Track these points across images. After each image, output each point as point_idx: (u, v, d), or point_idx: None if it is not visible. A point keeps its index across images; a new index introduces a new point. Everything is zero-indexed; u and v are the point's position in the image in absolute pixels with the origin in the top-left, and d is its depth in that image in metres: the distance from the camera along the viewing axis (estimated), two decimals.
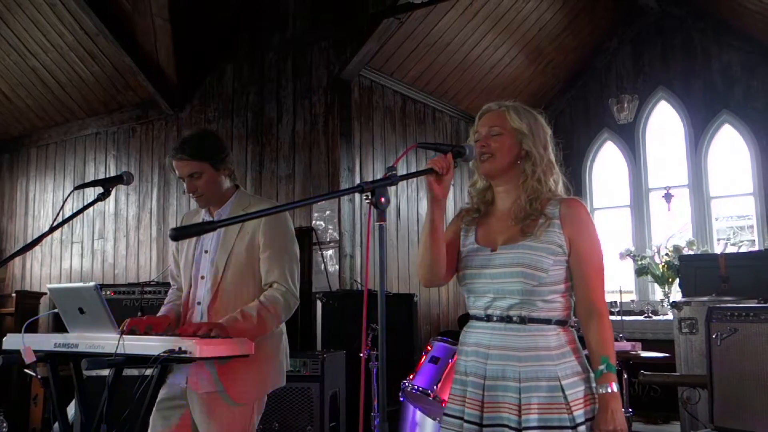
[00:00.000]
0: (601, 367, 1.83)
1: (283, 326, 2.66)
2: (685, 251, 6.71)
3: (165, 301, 2.78)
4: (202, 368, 2.41)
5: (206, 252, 2.60)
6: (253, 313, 2.40)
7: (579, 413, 1.82)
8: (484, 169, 2.00)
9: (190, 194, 2.59)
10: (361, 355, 2.41)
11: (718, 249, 6.99)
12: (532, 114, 2.04)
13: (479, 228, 2.04)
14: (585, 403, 1.84)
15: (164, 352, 2.06)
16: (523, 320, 1.88)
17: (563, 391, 1.82)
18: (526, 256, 1.88)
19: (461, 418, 1.91)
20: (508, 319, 1.89)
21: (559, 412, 1.80)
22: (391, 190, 1.73)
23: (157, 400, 2.49)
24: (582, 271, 1.90)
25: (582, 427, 1.81)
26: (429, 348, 3.44)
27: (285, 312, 2.50)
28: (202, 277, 2.58)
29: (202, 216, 2.71)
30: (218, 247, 2.57)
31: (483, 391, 1.88)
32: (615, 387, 1.82)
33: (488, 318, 1.93)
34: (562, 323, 1.91)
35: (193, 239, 2.63)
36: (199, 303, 2.57)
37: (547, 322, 1.88)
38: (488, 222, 2.04)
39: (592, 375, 1.88)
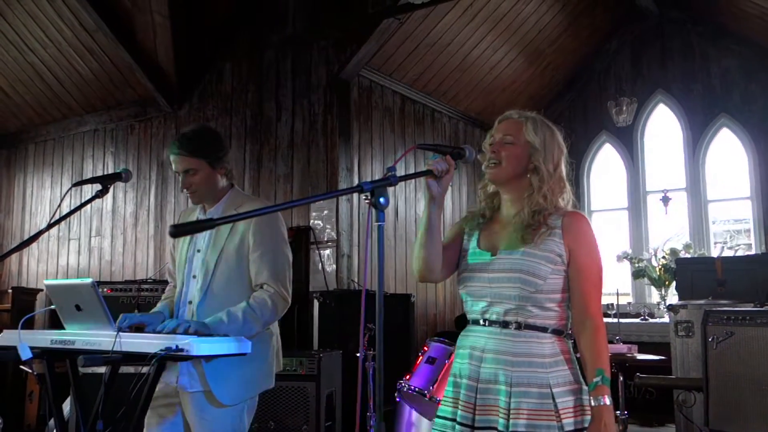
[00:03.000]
0: (597, 379, 1.82)
1: (276, 328, 2.64)
2: (682, 254, 6.72)
3: (162, 297, 2.78)
4: (191, 367, 2.41)
5: (199, 251, 2.59)
6: (238, 315, 2.39)
7: (568, 422, 1.82)
8: (489, 175, 2.01)
9: (185, 189, 2.59)
10: (358, 354, 2.40)
11: (714, 252, 7.01)
12: (550, 129, 2.02)
13: (482, 233, 2.04)
14: (575, 413, 1.85)
15: (161, 350, 2.06)
16: (519, 326, 1.89)
17: (554, 398, 1.83)
18: (525, 262, 1.89)
19: (453, 420, 1.92)
20: (504, 324, 1.90)
21: (548, 418, 1.81)
22: (390, 190, 1.74)
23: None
24: (579, 283, 1.91)
25: None
26: (426, 348, 3.43)
27: (272, 315, 2.48)
28: (194, 276, 2.57)
29: (197, 214, 2.70)
30: (209, 247, 2.56)
31: (476, 394, 1.89)
32: (608, 400, 1.82)
33: (485, 322, 1.94)
34: (558, 332, 1.91)
35: (188, 238, 2.63)
36: (190, 302, 2.55)
37: (542, 329, 1.89)
38: (492, 228, 2.04)
39: (585, 388, 1.88)
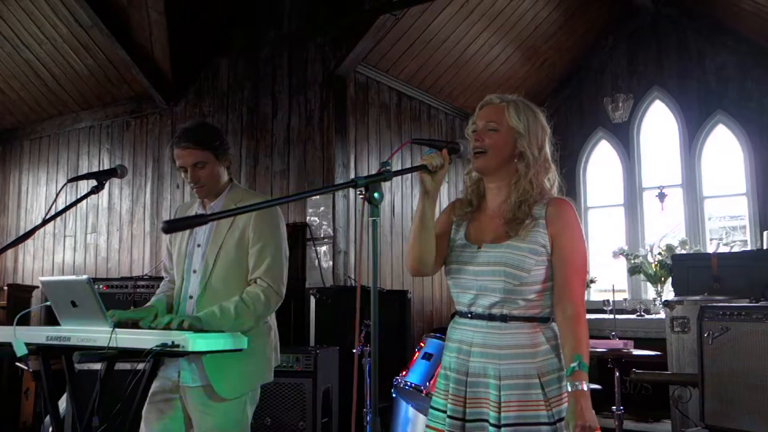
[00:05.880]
0: (573, 364, 1.80)
1: (273, 322, 2.65)
2: (678, 250, 6.73)
3: (156, 292, 2.78)
4: (191, 362, 2.42)
5: (198, 246, 2.59)
6: (231, 309, 2.40)
7: (558, 409, 1.83)
8: (475, 165, 2.00)
9: (192, 184, 2.58)
10: (354, 351, 2.41)
11: (710, 248, 7.02)
12: (533, 111, 2.01)
13: (470, 224, 2.05)
14: (567, 399, 1.84)
15: (157, 346, 2.06)
16: (504, 318, 1.89)
17: (543, 388, 1.84)
18: (509, 255, 1.89)
19: (445, 412, 1.94)
20: (489, 317, 1.91)
21: (536, 408, 1.82)
22: (386, 186, 1.74)
23: (151, 393, 2.49)
24: (562, 270, 1.90)
25: (562, 423, 1.81)
26: (422, 344, 3.45)
27: (264, 309, 2.49)
28: (194, 271, 2.57)
29: (195, 209, 2.70)
30: (209, 241, 2.56)
31: (465, 387, 1.90)
32: (585, 386, 1.79)
33: (471, 315, 1.95)
34: (543, 321, 1.92)
35: (187, 233, 2.63)
36: (191, 297, 2.56)
37: (528, 320, 1.90)
38: (479, 218, 2.05)
39: None
